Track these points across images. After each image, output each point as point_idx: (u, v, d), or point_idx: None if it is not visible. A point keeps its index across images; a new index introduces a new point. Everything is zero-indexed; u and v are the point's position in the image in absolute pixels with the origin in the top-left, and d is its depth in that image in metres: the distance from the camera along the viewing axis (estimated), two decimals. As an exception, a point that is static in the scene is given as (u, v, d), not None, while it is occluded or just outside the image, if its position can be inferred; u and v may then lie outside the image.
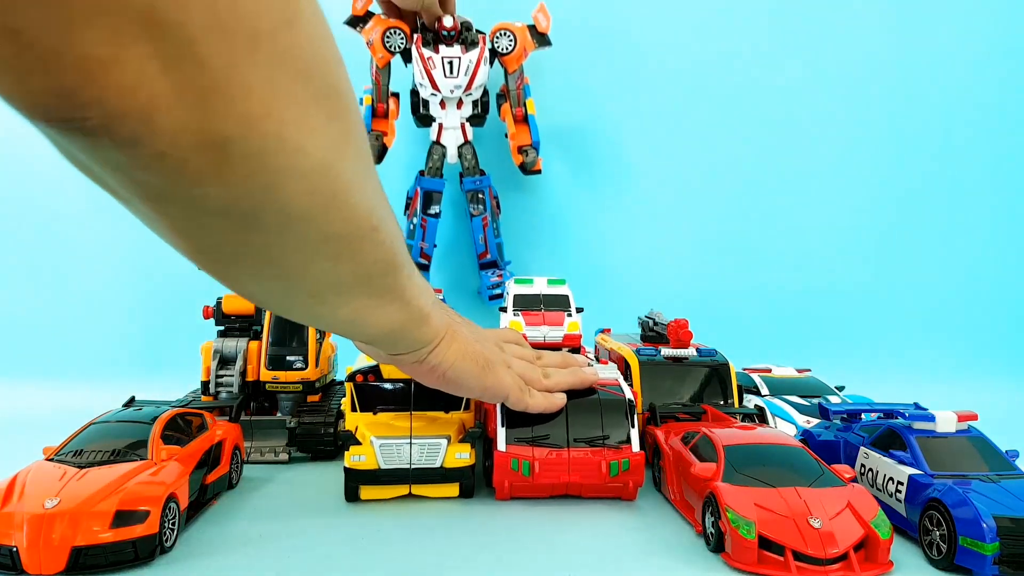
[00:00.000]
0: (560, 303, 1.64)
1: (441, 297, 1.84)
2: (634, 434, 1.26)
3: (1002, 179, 2.51)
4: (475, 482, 1.33)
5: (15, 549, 0.91)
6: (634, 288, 2.36)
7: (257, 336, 1.67)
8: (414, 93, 1.99)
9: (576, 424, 1.28)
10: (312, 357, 1.63)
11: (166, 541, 1.05)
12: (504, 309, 1.69)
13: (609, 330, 2.00)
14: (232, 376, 1.58)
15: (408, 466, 1.26)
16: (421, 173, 2.02)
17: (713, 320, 2.08)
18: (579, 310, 1.65)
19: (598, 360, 1.69)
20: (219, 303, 1.73)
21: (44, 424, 1.74)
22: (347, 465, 1.26)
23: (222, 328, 1.70)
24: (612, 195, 2.42)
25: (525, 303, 1.65)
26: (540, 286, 1.69)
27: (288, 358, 1.60)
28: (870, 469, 1.21)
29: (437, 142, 2.01)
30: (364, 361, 1.44)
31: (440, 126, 1.99)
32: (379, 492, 1.28)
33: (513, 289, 1.70)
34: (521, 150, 1.98)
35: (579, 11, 2.33)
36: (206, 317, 1.71)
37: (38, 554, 0.91)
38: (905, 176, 2.49)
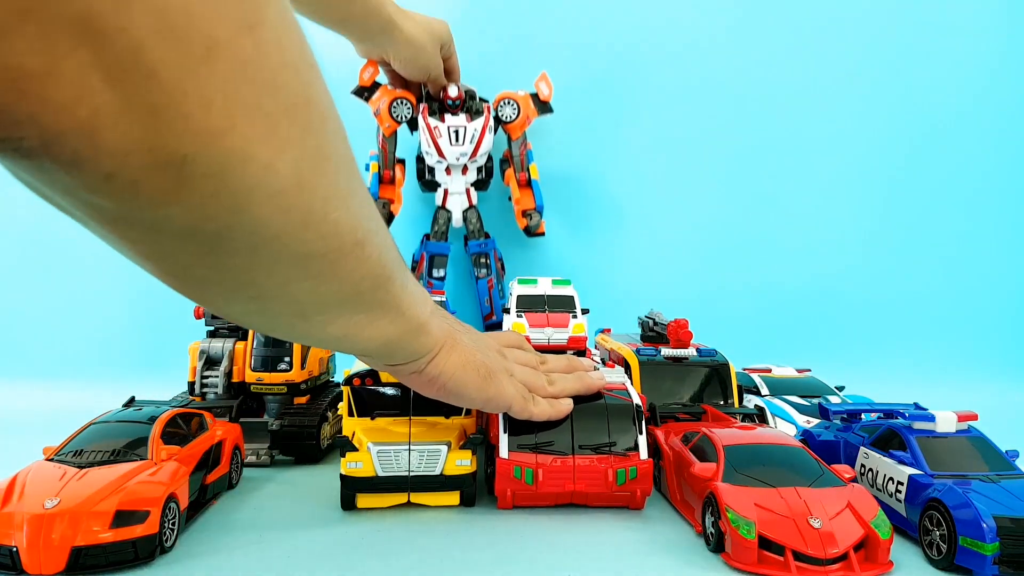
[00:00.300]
0: (565, 304, 1.63)
1: (443, 300, 1.84)
2: (642, 440, 1.24)
3: (1002, 179, 2.51)
4: (476, 490, 1.32)
5: (15, 549, 0.91)
6: (634, 288, 2.36)
7: (245, 337, 1.68)
8: (419, 159, 2.04)
9: (581, 430, 1.26)
10: (297, 359, 1.63)
11: (166, 541, 1.05)
12: (507, 310, 1.69)
13: (609, 330, 2.00)
14: (217, 377, 1.58)
15: (407, 473, 1.24)
16: (426, 237, 2.06)
17: (713, 320, 2.09)
18: (584, 311, 1.65)
19: (604, 363, 1.69)
20: None
21: (44, 424, 1.74)
22: (343, 472, 1.24)
23: (211, 328, 1.70)
24: (612, 195, 2.42)
25: (529, 304, 1.64)
26: (544, 286, 1.68)
27: (273, 359, 1.60)
28: (870, 469, 1.21)
29: (442, 207, 2.05)
30: (362, 364, 1.44)
31: (446, 192, 2.03)
32: (376, 500, 1.27)
33: (516, 290, 1.70)
34: (525, 214, 2.02)
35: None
36: (197, 317, 1.72)
37: (38, 554, 0.91)
38: (905, 177, 2.49)
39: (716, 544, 1.04)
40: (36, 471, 1.05)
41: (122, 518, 0.97)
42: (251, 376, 1.62)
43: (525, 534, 1.15)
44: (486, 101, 2.01)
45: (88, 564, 0.93)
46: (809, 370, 1.88)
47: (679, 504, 1.23)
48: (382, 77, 1.99)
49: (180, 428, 1.25)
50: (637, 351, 1.58)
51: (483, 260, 2.07)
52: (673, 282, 2.36)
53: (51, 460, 1.11)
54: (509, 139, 2.03)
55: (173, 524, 1.06)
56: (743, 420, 1.41)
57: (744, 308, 2.38)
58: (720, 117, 2.40)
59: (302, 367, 1.64)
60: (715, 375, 1.53)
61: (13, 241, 2.33)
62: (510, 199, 2.06)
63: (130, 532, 0.97)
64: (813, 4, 2.41)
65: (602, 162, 2.38)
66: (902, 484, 1.12)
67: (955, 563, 0.99)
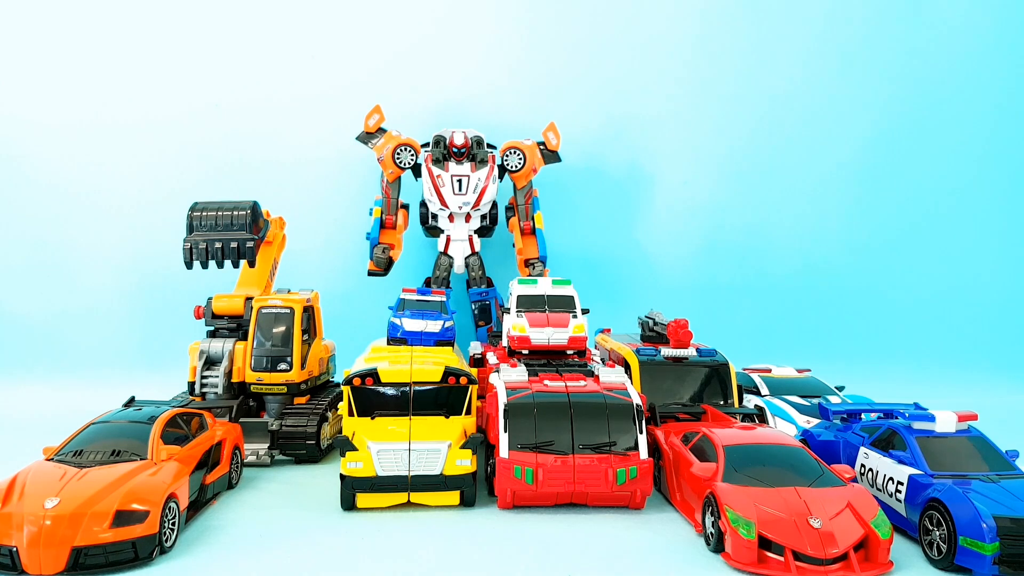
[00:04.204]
0: (565, 304, 1.64)
1: (444, 301, 1.84)
2: (642, 440, 1.24)
3: (1002, 182, 2.51)
4: (476, 490, 1.32)
5: (15, 549, 0.92)
6: (634, 288, 2.36)
7: (245, 337, 1.68)
8: (424, 204, 2.05)
9: (581, 430, 1.26)
10: (297, 359, 1.63)
11: (166, 541, 1.05)
12: (507, 310, 1.69)
13: (609, 330, 2.00)
14: (217, 377, 1.59)
15: (407, 473, 1.24)
16: (427, 282, 2.08)
17: (713, 320, 2.09)
18: (584, 311, 1.65)
19: (604, 363, 1.68)
20: (209, 303, 1.74)
21: (44, 424, 1.74)
22: (343, 472, 1.24)
23: (211, 328, 1.70)
24: (612, 195, 2.42)
25: (529, 304, 1.65)
26: (544, 286, 1.69)
27: (273, 359, 1.60)
28: (870, 469, 1.21)
29: (444, 253, 2.07)
30: (363, 364, 1.44)
31: (448, 238, 2.05)
32: (377, 500, 1.27)
33: (517, 290, 1.70)
34: (528, 263, 2.03)
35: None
36: (197, 317, 1.72)
37: (38, 554, 0.92)
38: (906, 179, 2.49)
39: (716, 544, 1.04)
40: (36, 471, 1.05)
41: (122, 518, 0.97)
42: (251, 376, 1.62)
43: (525, 534, 1.15)
44: (493, 148, 2.01)
45: (88, 564, 0.93)
46: (809, 370, 1.88)
47: (679, 504, 1.24)
48: (387, 124, 2.00)
49: (180, 428, 1.25)
50: (637, 351, 1.58)
51: (485, 307, 2.08)
52: (673, 282, 2.36)
53: (51, 460, 1.12)
54: (514, 187, 2.04)
55: (173, 524, 1.06)
56: (743, 420, 1.41)
57: (744, 308, 2.38)
58: (720, 119, 2.40)
59: (302, 367, 1.65)
60: (715, 375, 1.53)
61: (15, 244, 2.33)
62: (513, 245, 2.08)
63: (130, 532, 0.97)
64: (804, 19, 2.40)
65: (602, 162, 2.38)
66: (902, 484, 1.12)
67: (955, 563, 0.99)
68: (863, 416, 1.34)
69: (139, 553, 0.99)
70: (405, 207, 2.08)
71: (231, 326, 1.75)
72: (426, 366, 1.63)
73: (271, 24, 2.51)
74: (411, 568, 1.01)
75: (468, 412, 1.37)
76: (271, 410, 1.63)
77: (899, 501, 1.13)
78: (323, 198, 2.44)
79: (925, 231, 2.45)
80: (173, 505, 1.07)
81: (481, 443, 1.29)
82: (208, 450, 1.29)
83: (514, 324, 1.62)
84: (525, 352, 1.84)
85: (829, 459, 1.29)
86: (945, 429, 1.17)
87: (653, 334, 1.70)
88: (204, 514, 1.24)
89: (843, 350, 2.30)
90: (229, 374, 1.60)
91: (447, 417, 1.35)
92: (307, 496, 1.34)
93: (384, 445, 1.24)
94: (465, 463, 1.24)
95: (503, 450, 1.22)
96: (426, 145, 2.00)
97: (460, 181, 1.95)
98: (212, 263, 1.74)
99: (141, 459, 1.11)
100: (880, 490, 1.18)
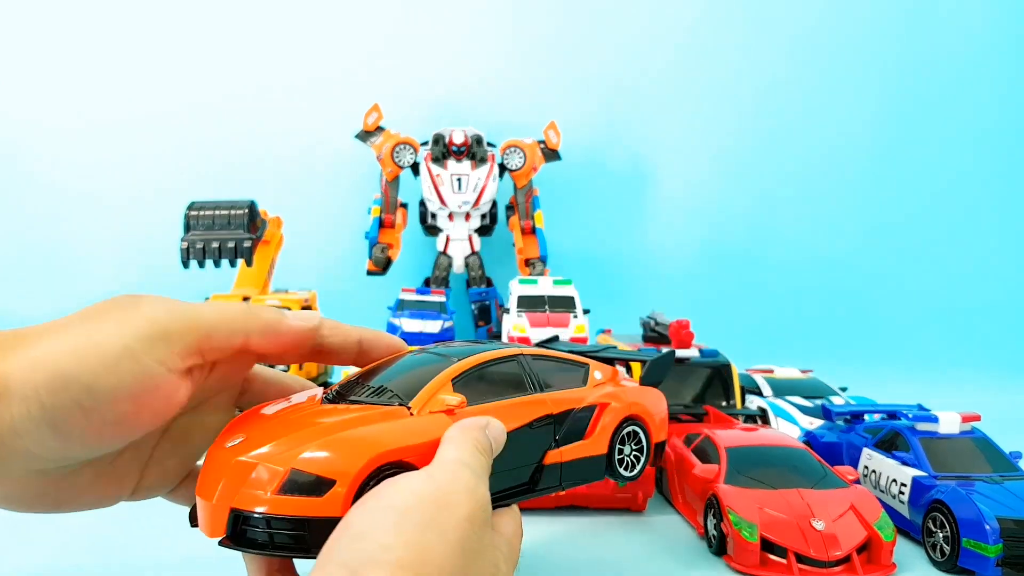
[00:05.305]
0: (566, 304, 1.62)
1: (443, 301, 1.82)
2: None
3: (1004, 182, 2.50)
4: None
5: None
6: (635, 288, 2.35)
7: None
8: (422, 203, 2.03)
9: None
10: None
11: None
12: (507, 310, 1.68)
13: (610, 330, 1.99)
14: None
15: None
16: (427, 282, 2.06)
17: (715, 321, 2.08)
18: (586, 311, 1.64)
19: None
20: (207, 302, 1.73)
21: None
22: None
23: None
24: (614, 194, 2.42)
25: (529, 304, 1.63)
26: (545, 286, 1.67)
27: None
28: (873, 470, 1.21)
29: (444, 252, 2.05)
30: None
31: (447, 237, 2.03)
32: None
33: (517, 290, 1.68)
34: (528, 263, 2.01)
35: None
36: None
37: (204, 516, 0.59)
38: (908, 179, 2.48)
39: (718, 546, 1.04)
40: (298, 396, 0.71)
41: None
42: None
43: (526, 536, 1.14)
44: (493, 146, 2.00)
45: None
46: (812, 371, 1.87)
47: (681, 506, 1.23)
48: (386, 122, 1.99)
49: None
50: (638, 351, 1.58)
51: (485, 307, 2.06)
52: (675, 282, 2.36)
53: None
54: (514, 186, 2.02)
55: None
56: (745, 421, 1.40)
57: (746, 309, 2.37)
58: (721, 118, 2.40)
59: (299, 367, 1.64)
60: (717, 376, 1.52)
61: (11, 243, 2.33)
62: (514, 245, 2.06)
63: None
64: (809, 12, 2.40)
65: (604, 160, 2.37)
66: (905, 485, 1.11)
67: (958, 565, 0.98)
68: (866, 417, 1.34)
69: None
70: (404, 206, 2.07)
71: None
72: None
73: (270, 22, 2.50)
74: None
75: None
76: (269, 411, 1.62)
77: (902, 503, 1.12)
78: (321, 197, 2.43)
79: (929, 234, 2.45)
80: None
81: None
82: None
83: (514, 324, 1.62)
84: (525, 352, 2.22)
85: (832, 460, 1.29)
86: (948, 430, 1.16)
87: (655, 334, 1.69)
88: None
89: (846, 351, 2.29)
90: None
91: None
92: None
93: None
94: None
95: (502, 451, 1.21)
96: (425, 143, 2.00)
97: (459, 180, 1.94)
98: (209, 262, 1.73)
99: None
100: (883, 492, 1.17)
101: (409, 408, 0.61)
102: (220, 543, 0.56)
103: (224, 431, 0.61)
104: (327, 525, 0.50)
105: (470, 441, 0.56)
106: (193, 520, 0.61)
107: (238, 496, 0.54)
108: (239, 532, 0.55)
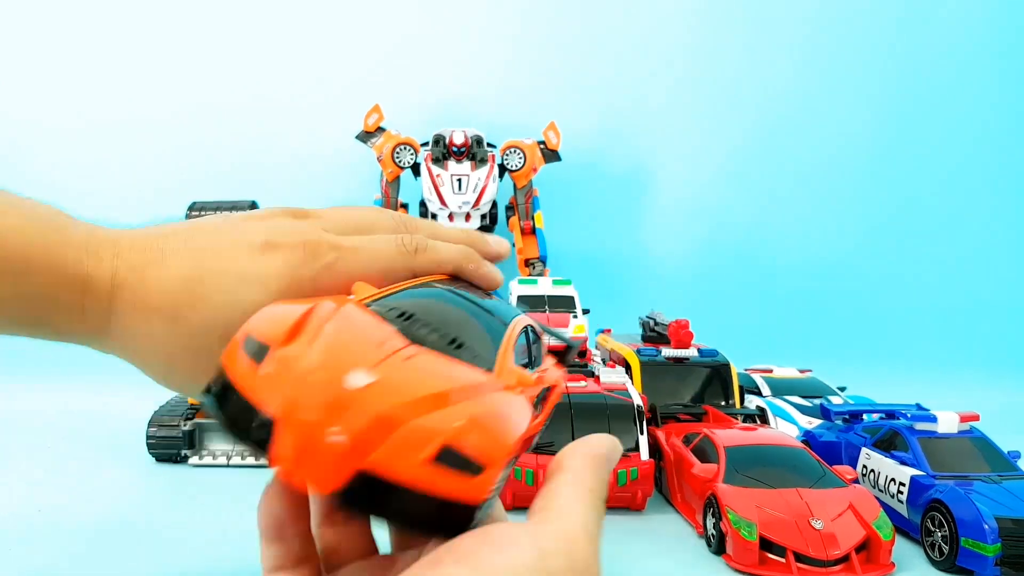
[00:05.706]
0: (565, 304, 1.63)
1: None
2: (643, 441, 1.23)
3: (1003, 181, 2.51)
4: None
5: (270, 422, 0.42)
6: (635, 288, 2.36)
7: None
8: (423, 204, 2.03)
9: (581, 430, 1.25)
10: None
11: None
12: (505, 310, 1.67)
13: (610, 330, 1.99)
14: None
15: None
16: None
17: (714, 320, 2.08)
18: (585, 311, 1.64)
19: (604, 363, 1.68)
20: None
21: (44, 424, 1.73)
22: None
23: None
24: (613, 195, 2.42)
25: (529, 304, 1.64)
26: (545, 286, 1.67)
27: None
28: (872, 470, 1.21)
29: None
30: None
31: None
32: None
33: (516, 289, 1.69)
34: (528, 263, 2.01)
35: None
36: None
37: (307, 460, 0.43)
38: (907, 178, 2.48)
39: (717, 545, 1.04)
40: (345, 317, 0.50)
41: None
42: None
43: (525, 535, 1.14)
44: (493, 147, 2.00)
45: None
46: (811, 370, 1.87)
47: (680, 505, 1.23)
48: (386, 123, 1.99)
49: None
50: (638, 351, 1.58)
51: None
52: (674, 282, 2.36)
53: (369, 305, 0.53)
54: (514, 186, 2.02)
55: None
56: (744, 421, 1.40)
57: (745, 308, 2.37)
58: (721, 119, 2.40)
59: None
60: (716, 375, 1.53)
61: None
62: (514, 245, 2.06)
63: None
64: (807, 12, 2.40)
65: (603, 161, 2.38)
66: (904, 485, 1.12)
67: (957, 564, 0.99)
68: (865, 417, 1.34)
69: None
70: (404, 206, 2.07)
71: None
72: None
73: (271, 23, 2.50)
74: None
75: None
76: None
77: (901, 502, 1.12)
78: (322, 197, 2.44)
79: (928, 233, 2.45)
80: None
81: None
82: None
83: (514, 325, 1.62)
84: (525, 352, 2.22)
85: (831, 460, 1.29)
86: (947, 430, 1.17)
87: (654, 334, 1.69)
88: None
89: (845, 351, 2.30)
90: None
91: None
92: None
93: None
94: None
95: (503, 451, 1.21)
96: (426, 144, 2.00)
97: (460, 180, 1.94)
98: (211, 263, 1.73)
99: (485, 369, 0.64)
100: (882, 491, 1.18)
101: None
102: (335, 502, 0.40)
103: (289, 332, 0.42)
104: (468, 511, 0.40)
105: (595, 492, 0.40)
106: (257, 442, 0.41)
107: (375, 457, 0.40)
108: (358, 493, 0.41)
